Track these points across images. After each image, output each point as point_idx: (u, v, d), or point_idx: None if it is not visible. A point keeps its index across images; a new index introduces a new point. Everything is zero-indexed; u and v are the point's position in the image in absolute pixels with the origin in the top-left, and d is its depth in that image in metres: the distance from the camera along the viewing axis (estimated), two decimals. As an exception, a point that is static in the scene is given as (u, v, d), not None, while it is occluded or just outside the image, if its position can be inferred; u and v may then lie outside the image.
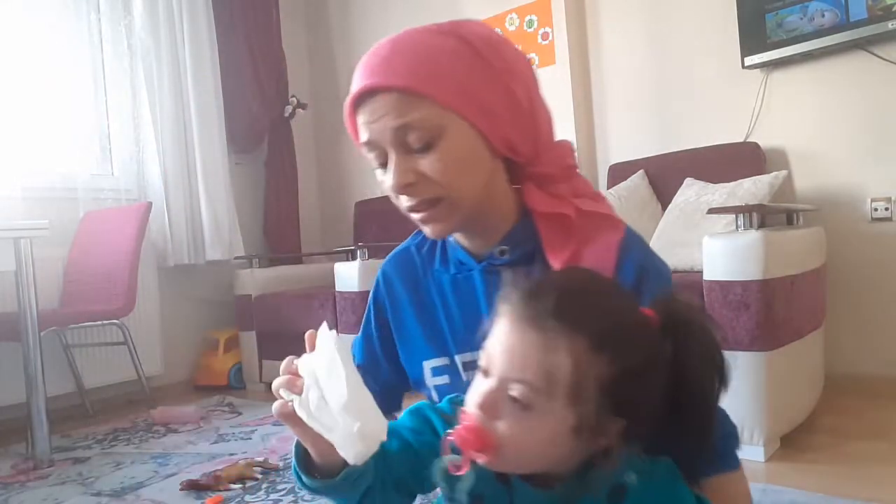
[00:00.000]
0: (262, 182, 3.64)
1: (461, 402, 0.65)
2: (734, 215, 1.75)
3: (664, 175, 2.53)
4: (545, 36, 2.91)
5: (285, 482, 1.74)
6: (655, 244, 2.30)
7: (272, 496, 1.65)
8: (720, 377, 0.61)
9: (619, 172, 2.69)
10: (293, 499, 1.62)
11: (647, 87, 2.75)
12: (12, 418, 2.43)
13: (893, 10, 2.06)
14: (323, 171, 3.96)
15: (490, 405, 0.56)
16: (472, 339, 0.77)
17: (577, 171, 0.81)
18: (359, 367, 0.88)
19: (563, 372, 0.54)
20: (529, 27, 2.96)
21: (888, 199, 2.20)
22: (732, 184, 2.20)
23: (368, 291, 0.97)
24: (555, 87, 2.88)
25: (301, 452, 0.60)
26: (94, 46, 2.99)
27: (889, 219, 2.20)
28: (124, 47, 3.03)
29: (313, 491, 0.60)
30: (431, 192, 0.73)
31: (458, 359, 0.81)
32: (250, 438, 2.20)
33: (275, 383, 0.59)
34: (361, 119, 0.73)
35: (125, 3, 3.04)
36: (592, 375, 0.54)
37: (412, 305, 0.86)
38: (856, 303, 2.24)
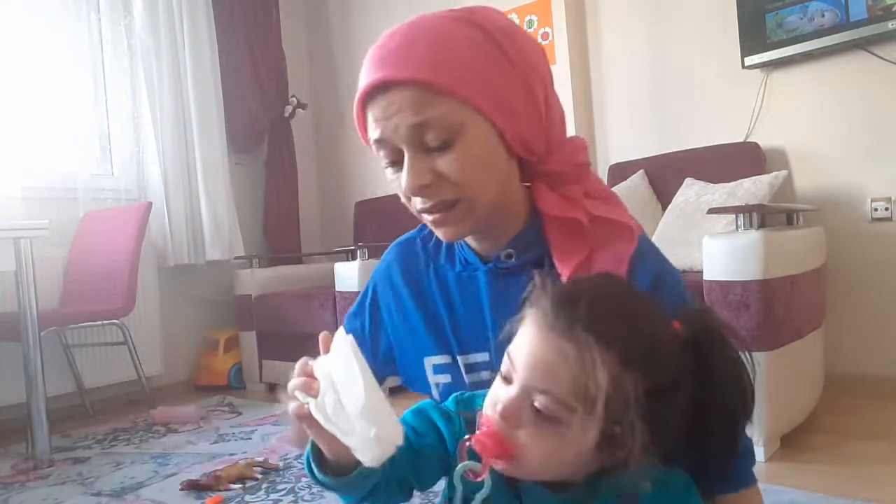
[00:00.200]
0: (262, 182, 3.64)
1: (467, 401, 0.65)
2: (734, 215, 1.75)
3: (664, 175, 2.53)
4: (545, 36, 2.91)
5: (285, 482, 1.74)
6: (655, 244, 2.30)
7: (272, 496, 1.65)
8: (745, 396, 0.59)
9: (619, 172, 2.69)
10: (293, 499, 1.62)
11: (647, 87, 2.75)
12: (12, 418, 2.43)
13: (893, 10, 2.06)
14: (323, 171, 3.96)
15: (512, 414, 0.54)
16: (474, 340, 0.77)
17: (590, 168, 0.78)
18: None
19: (592, 387, 0.51)
20: (529, 27, 2.96)
21: (888, 199, 2.20)
22: (732, 184, 2.20)
23: (369, 292, 0.97)
24: (555, 86, 2.88)
25: (315, 448, 0.60)
26: (94, 46, 2.99)
27: (889, 219, 2.20)
28: (124, 47, 3.03)
29: (325, 486, 0.60)
30: (448, 194, 0.68)
31: (460, 360, 0.79)
32: (250, 438, 2.20)
33: (290, 384, 0.58)
34: (373, 114, 0.68)
35: (125, 3, 3.04)
36: (621, 391, 0.52)
37: (413, 298, 0.83)
38: (856, 303, 2.24)
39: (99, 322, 2.55)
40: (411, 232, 0.89)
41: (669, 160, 2.55)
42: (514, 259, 0.76)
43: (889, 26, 2.07)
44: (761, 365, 1.60)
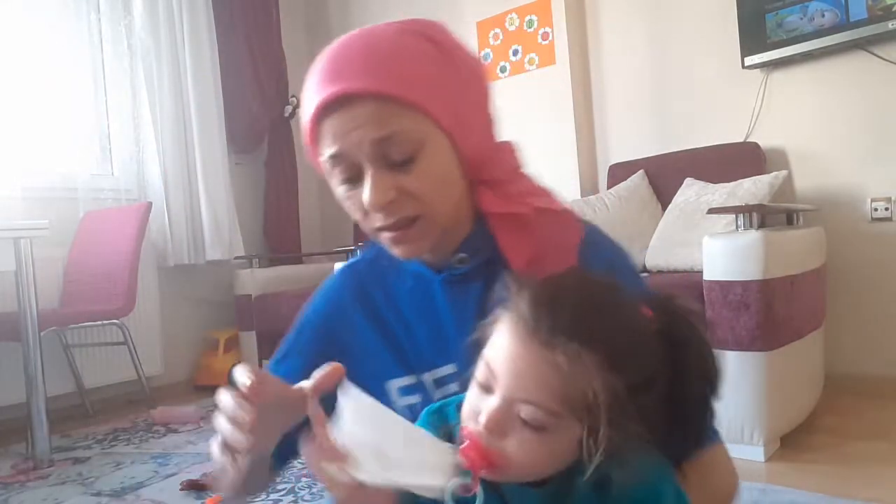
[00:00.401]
0: (262, 182, 3.65)
1: (439, 412, 0.63)
2: (734, 215, 1.75)
3: (664, 175, 2.53)
4: (545, 36, 2.91)
5: (285, 482, 1.74)
6: (655, 244, 2.30)
7: (272, 496, 1.65)
8: (715, 379, 0.58)
9: (619, 172, 2.69)
10: (293, 499, 1.62)
11: (647, 87, 2.75)
12: (12, 418, 2.43)
13: (893, 10, 2.06)
14: (323, 171, 3.95)
15: (497, 426, 0.53)
16: (437, 354, 0.75)
17: (523, 171, 0.76)
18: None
19: (578, 392, 0.51)
20: (529, 27, 2.96)
21: (888, 199, 2.20)
22: (732, 184, 2.20)
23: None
24: (555, 87, 2.89)
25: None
26: (94, 46, 2.99)
27: (889, 219, 2.20)
28: (124, 47, 3.03)
29: None
30: (410, 210, 0.66)
31: (426, 377, 0.76)
32: (250, 438, 2.20)
33: (320, 465, 0.54)
34: (331, 129, 0.65)
35: (125, 3, 3.04)
36: (607, 392, 0.51)
37: (371, 323, 0.79)
38: (856, 303, 2.24)
39: (99, 322, 2.55)
40: (353, 259, 0.86)
41: (669, 160, 2.55)
42: (467, 264, 0.74)
43: (889, 26, 2.07)
44: (761, 365, 1.61)
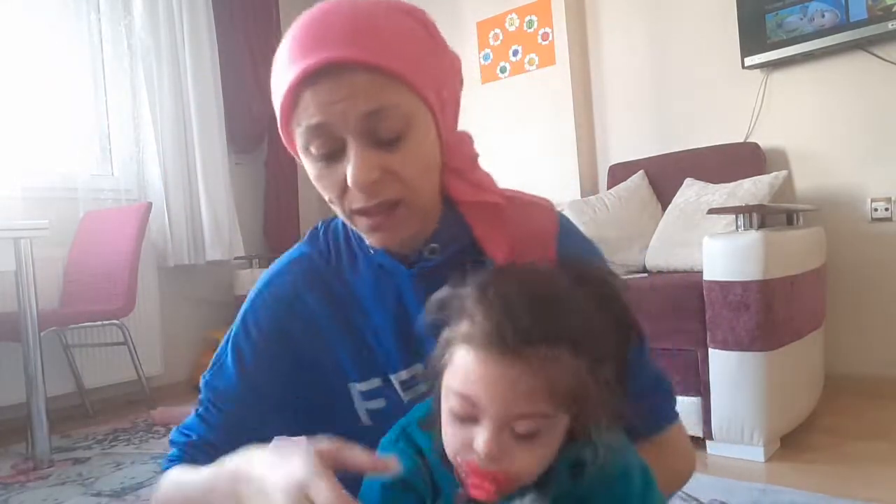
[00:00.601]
0: (262, 182, 3.64)
1: (407, 439, 0.62)
2: (734, 215, 1.75)
3: (664, 175, 2.53)
4: (545, 36, 2.91)
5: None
6: (655, 244, 2.30)
7: (272, 496, 1.65)
8: (636, 323, 0.59)
9: (619, 172, 2.69)
10: (293, 499, 1.62)
11: (647, 87, 2.75)
12: (12, 418, 2.43)
13: (893, 10, 2.06)
14: (323, 171, 3.95)
15: (497, 452, 0.52)
16: (407, 354, 0.70)
17: (479, 162, 0.73)
18: (215, 399, 0.73)
19: (559, 388, 0.51)
20: (529, 27, 2.96)
21: (888, 199, 2.20)
22: (732, 184, 2.20)
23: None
24: (555, 87, 2.89)
25: None
26: (94, 46, 2.98)
27: (889, 219, 2.20)
28: (124, 47, 3.02)
29: None
30: (393, 193, 0.62)
31: (394, 378, 0.71)
32: (250, 438, 2.20)
33: None
34: (314, 98, 0.59)
35: (125, 3, 3.04)
36: (579, 376, 0.52)
37: (333, 323, 0.72)
38: (856, 303, 2.24)
39: (99, 322, 2.55)
40: (294, 250, 0.77)
41: (669, 160, 2.55)
42: (438, 255, 0.69)
43: (889, 26, 2.07)
44: (761, 365, 1.61)
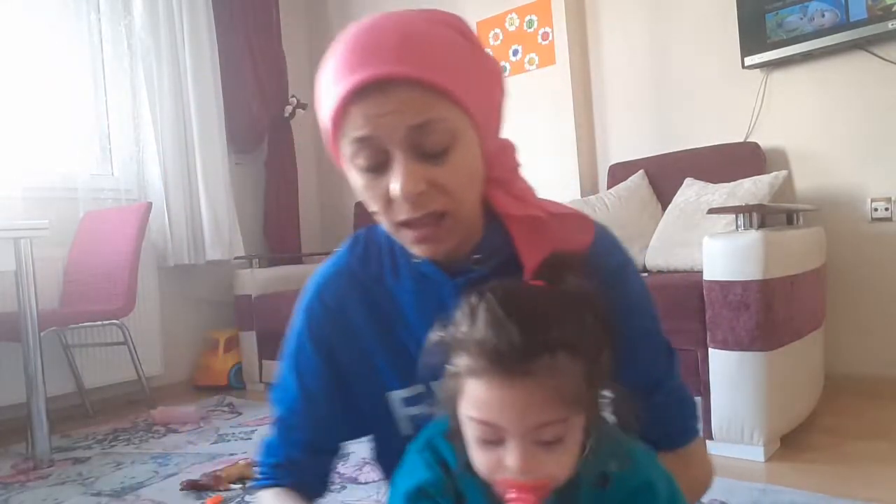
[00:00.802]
0: (262, 182, 3.64)
1: (433, 450, 0.64)
2: (734, 215, 1.75)
3: (664, 175, 2.53)
4: (545, 36, 2.91)
5: (285, 482, 1.74)
6: (655, 244, 2.30)
7: (272, 496, 1.65)
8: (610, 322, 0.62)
9: (619, 172, 2.69)
10: (293, 499, 1.62)
11: (647, 87, 2.75)
12: (12, 418, 2.43)
13: (893, 10, 2.06)
14: (323, 171, 3.96)
15: (530, 465, 0.55)
16: None
17: (520, 171, 0.75)
18: (285, 417, 0.80)
19: (569, 390, 0.55)
20: (529, 27, 2.96)
21: (888, 199, 2.20)
22: (732, 184, 2.20)
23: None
24: (555, 87, 2.88)
25: None
26: (94, 46, 2.99)
27: (889, 219, 2.20)
28: (124, 47, 3.03)
29: None
30: (438, 205, 0.63)
31: (435, 386, 0.71)
32: (250, 438, 2.20)
33: None
34: (363, 112, 0.61)
35: (125, 3, 3.04)
36: (583, 375, 0.56)
37: (374, 329, 0.75)
38: (856, 303, 2.24)
39: (99, 322, 2.55)
40: (335, 260, 0.80)
41: (669, 160, 2.55)
42: (482, 266, 0.71)
43: (889, 26, 2.07)
44: (761, 365, 1.61)
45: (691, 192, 2.32)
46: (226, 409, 2.69)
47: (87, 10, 2.95)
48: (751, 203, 1.86)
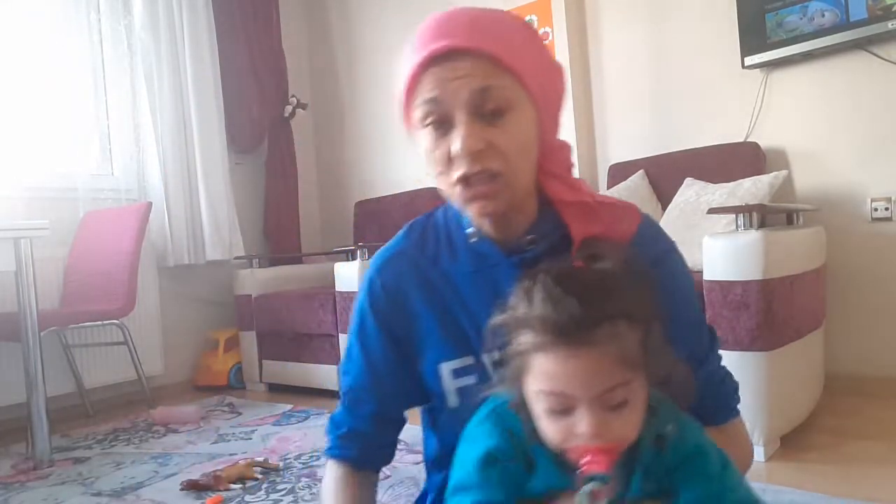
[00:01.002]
0: (262, 182, 3.65)
1: (501, 416, 0.68)
2: (734, 215, 1.75)
3: (664, 175, 2.53)
4: (545, 36, 2.91)
5: (285, 482, 1.74)
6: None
7: (272, 496, 1.65)
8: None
9: (619, 172, 2.68)
10: (293, 499, 1.62)
11: (647, 87, 2.75)
12: (12, 418, 2.43)
13: (893, 10, 2.06)
14: (323, 171, 3.96)
15: (601, 429, 0.59)
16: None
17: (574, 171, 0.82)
18: (352, 389, 0.86)
19: (630, 354, 0.59)
20: (529, 27, 2.96)
21: (888, 199, 2.20)
22: (732, 184, 2.20)
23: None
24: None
25: None
26: (94, 46, 2.99)
27: (889, 219, 2.20)
28: (124, 47, 3.03)
29: None
30: (495, 164, 0.70)
31: (486, 358, 0.78)
32: (250, 438, 2.20)
33: None
34: (435, 76, 0.69)
35: (125, 3, 3.04)
36: (641, 339, 0.61)
37: (428, 306, 0.82)
38: (856, 303, 2.24)
39: (99, 322, 2.55)
40: (393, 243, 0.87)
41: (669, 160, 2.55)
42: (536, 246, 0.77)
43: (889, 26, 2.07)
44: (761, 365, 1.61)
45: (691, 192, 2.32)
46: (226, 408, 2.69)
47: (86, 9, 2.95)
48: (751, 203, 1.86)
